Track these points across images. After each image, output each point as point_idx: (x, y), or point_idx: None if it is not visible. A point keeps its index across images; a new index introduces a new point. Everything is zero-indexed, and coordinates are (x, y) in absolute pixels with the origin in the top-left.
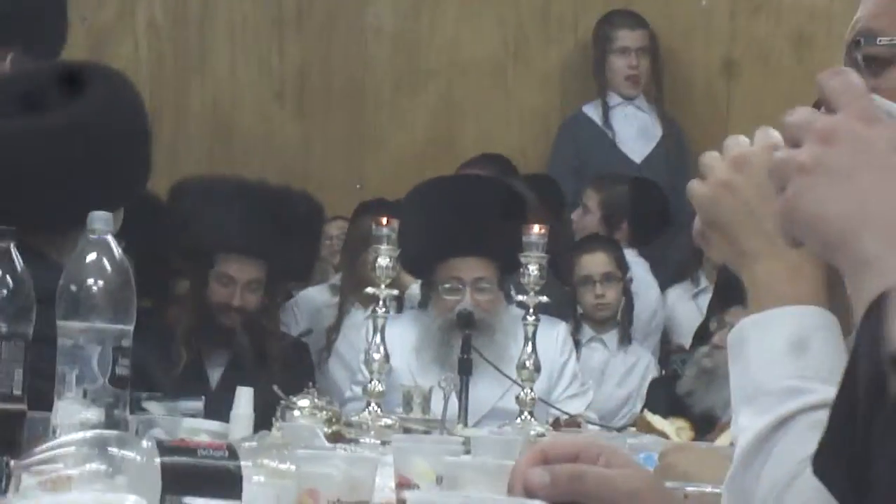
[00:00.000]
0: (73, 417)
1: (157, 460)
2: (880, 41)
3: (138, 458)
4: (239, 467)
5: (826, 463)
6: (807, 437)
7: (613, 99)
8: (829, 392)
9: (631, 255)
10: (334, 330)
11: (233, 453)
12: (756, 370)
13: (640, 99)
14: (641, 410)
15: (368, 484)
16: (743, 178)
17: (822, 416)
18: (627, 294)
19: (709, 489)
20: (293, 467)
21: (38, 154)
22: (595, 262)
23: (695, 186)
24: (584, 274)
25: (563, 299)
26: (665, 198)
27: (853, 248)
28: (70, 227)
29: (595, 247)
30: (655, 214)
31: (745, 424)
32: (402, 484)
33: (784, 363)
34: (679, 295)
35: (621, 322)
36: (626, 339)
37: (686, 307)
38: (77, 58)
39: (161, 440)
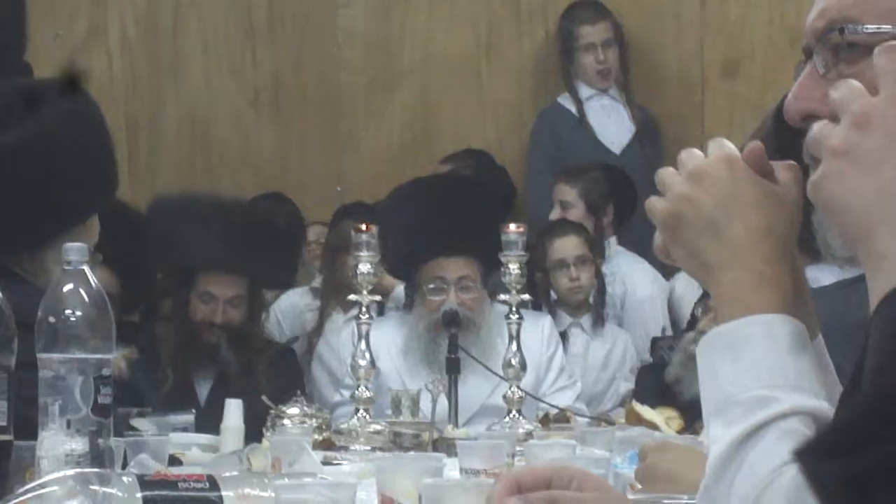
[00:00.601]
0: (58, 449)
1: (139, 495)
2: (866, 29)
3: (120, 493)
4: (220, 497)
5: (815, 457)
6: (778, 446)
7: (585, 91)
8: (799, 400)
9: (630, 257)
10: (316, 334)
11: (213, 484)
12: (724, 380)
13: (612, 89)
14: (630, 400)
15: None
16: (701, 191)
17: (793, 424)
18: (599, 276)
19: (685, 500)
20: (274, 494)
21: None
22: (568, 246)
23: (654, 202)
24: (557, 258)
25: (531, 290)
26: (632, 182)
27: (870, 242)
28: (38, 245)
29: (566, 230)
30: (631, 197)
31: (715, 435)
32: (385, 503)
33: (752, 372)
34: (687, 281)
35: (595, 305)
36: (599, 322)
37: (695, 294)
38: (52, 74)
39: (142, 475)
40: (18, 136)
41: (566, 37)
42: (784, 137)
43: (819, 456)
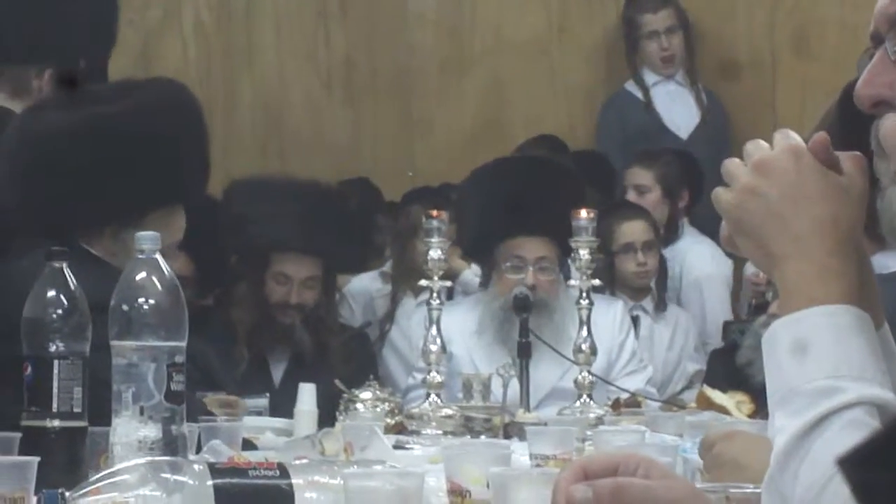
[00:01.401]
0: (131, 435)
1: (210, 482)
2: None
3: (191, 481)
4: (290, 485)
5: (859, 465)
6: (842, 436)
7: (651, 77)
8: (863, 390)
9: (692, 237)
10: (388, 320)
11: (284, 472)
12: (789, 371)
13: (679, 74)
14: (701, 383)
15: (416, 498)
16: (767, 183)
17: (857, 414)
18: (662, 261)
19: (751, 489)
20: (343, 482)
21: (90, 152)
22: (636, 230)
23: (720, 193)
24: (625, 241)
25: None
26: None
27: None
28: (122, 224)
29: (634, 214)
30: (700, 181)
31: (780, 426)
32: (454, 490)
33: (816, 363)
34: None
35: (656, 288)
36: (662, 306)
37: None
38: (126, 62)
39: (213, 462)
40: (118, 110)
41: (629, 25)
42: (849, 126)
43: (863, 464)
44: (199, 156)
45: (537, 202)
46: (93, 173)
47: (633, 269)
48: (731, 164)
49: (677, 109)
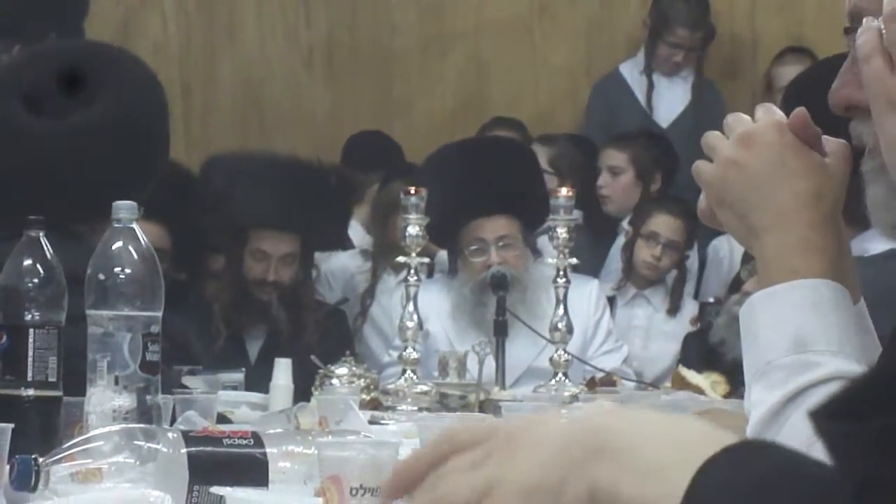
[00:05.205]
0: (106, 404)
1: (184, 450)
2: None
3: (165, 449)
4: (265, 454)
5: (829, 418)
6: None
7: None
8: (840, 365)
9: None
10: (368, 295)
11: (258, 441)
12: (767, 344)
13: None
14: (676, 365)
15: (390, 467)
16: (750, 155)
17: (833, 389)
18: (681, 268)
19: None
20: (317, 451)
21: (70, 151)
22: (668, 225)
23: (701, 166)
24: (652, 230)
25: (595, 260)
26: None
27: None
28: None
29: (677, 211)
30: (675, 166)
31: (757, 399)
32: None
33: (795, 337)
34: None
35: (672, 293)
36: (673, 311)
37: (731, 261)
38: (106, 36)
39: (187, 430)
40: (96, 111)
41: (659, 18)
42: None
43: (833, 416)
44: (167, 136)
45: (491, 181)
46: (80, 173)
47: (646, 259)
48: (713, 137)
49: (664, 95)
